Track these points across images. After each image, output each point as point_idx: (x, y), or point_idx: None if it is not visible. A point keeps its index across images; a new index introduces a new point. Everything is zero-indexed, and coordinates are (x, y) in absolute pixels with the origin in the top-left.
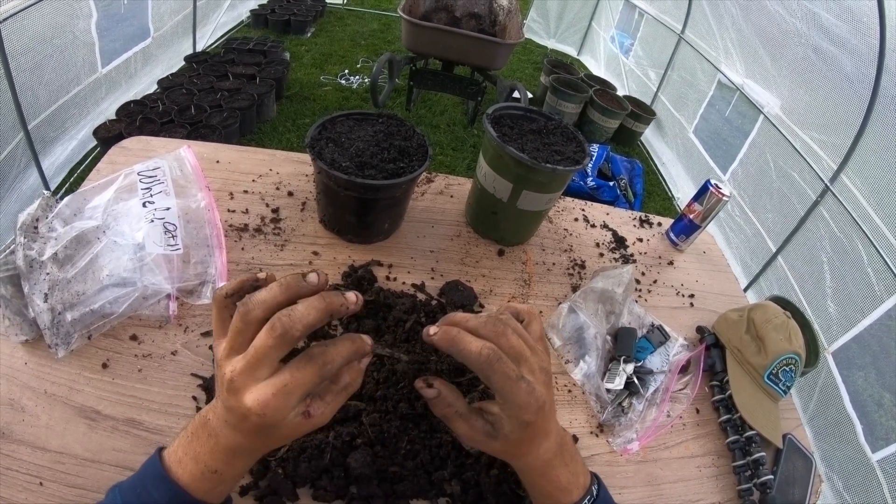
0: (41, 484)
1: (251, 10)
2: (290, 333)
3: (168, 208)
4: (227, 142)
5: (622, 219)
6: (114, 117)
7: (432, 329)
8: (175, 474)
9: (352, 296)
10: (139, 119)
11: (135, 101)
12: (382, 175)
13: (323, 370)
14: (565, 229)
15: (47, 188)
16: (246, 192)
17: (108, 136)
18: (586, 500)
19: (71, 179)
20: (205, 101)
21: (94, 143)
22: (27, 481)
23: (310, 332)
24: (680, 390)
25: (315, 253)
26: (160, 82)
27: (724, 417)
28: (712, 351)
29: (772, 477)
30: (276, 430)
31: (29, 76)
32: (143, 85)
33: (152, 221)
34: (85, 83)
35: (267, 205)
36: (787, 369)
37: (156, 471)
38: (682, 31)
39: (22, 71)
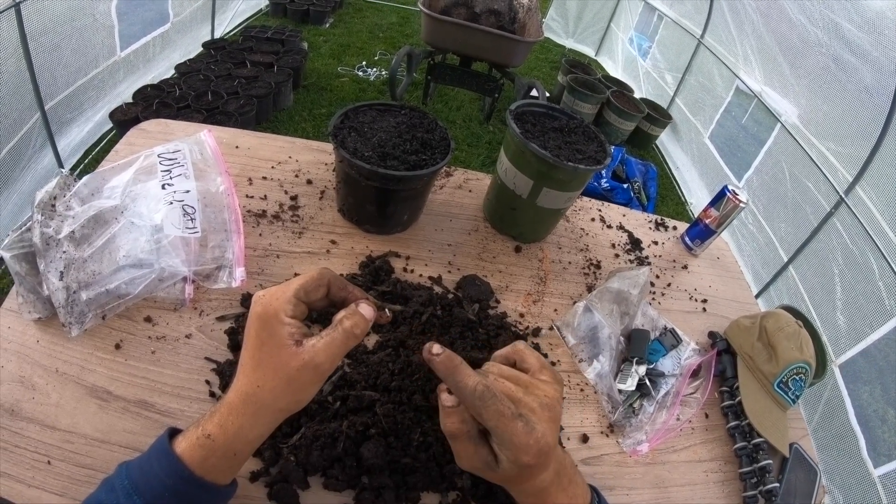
0: (49, 462)
1: None
2: (325, 274)
3: (187, 191)
4: (243, 129)
5: (638, 221)
6: (130, 101)
7: (436, 348)
8: (178, 447)
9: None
10: (156, 103)
11: (152, 86)
12: (404, 166)
13: (322, 273)
14: (582, 228)
15: (62, 168)
16: (265, 178)
17: (124, 120)
18: None
19: (86, 161)
20: (222, 87)
21: (110, 125)
22: (35, 459)
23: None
24: (690, 394)
25: (333, 242)
26: (178, 67)
27: (733, 423)
28: (723, 357)
29: (777, 485)
30: (271, 340)
31: (47, 57)
32: (161, 69)
33: (171, 204)
34: (103, 66)
35: (285, 192)
36: (797, 378)
37: (162, 446)
38: (702, 36)
39: (41, 52)
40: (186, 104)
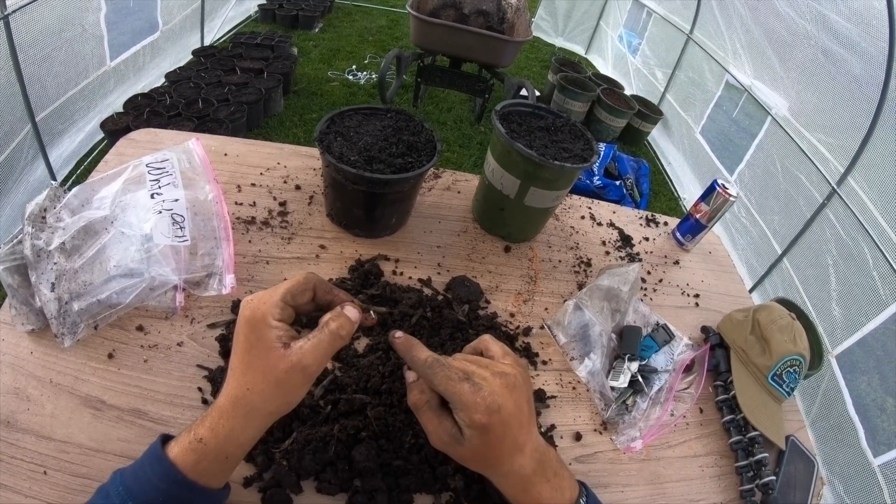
0: (45, 473)
1: (259, 5)
2: (310, 279)
3: (176, 200)
4: (234, 136)
5: (629, 217)
6: (121, 110)
7: (398, 333)
8: (170, 452)
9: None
10: (146, 112)
11: (142, 95)
12: (390, 170)
13: (308, 277)
14: (572, 227)
15: (54, 180)
16: (253, 185)
17: (115, 129)
18: None
19: (78, 171)
20: (212, 94)
21: (102, 135)
22: (31, 470)
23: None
24: (684, 389)
25: (322, 247)
26: (168, 76)
27: (728, 418)
28: (717, 351)
29: (774, 478)
30: (259, 343)
31: (37, 68)
32: (151, 78)
33: (160, 213)
34: (93, 76)
35: (274, 198)
36: (792, 371)
37: (154, 452)
38: (691, 31)
39: (30, 63)
40: (177, 112)
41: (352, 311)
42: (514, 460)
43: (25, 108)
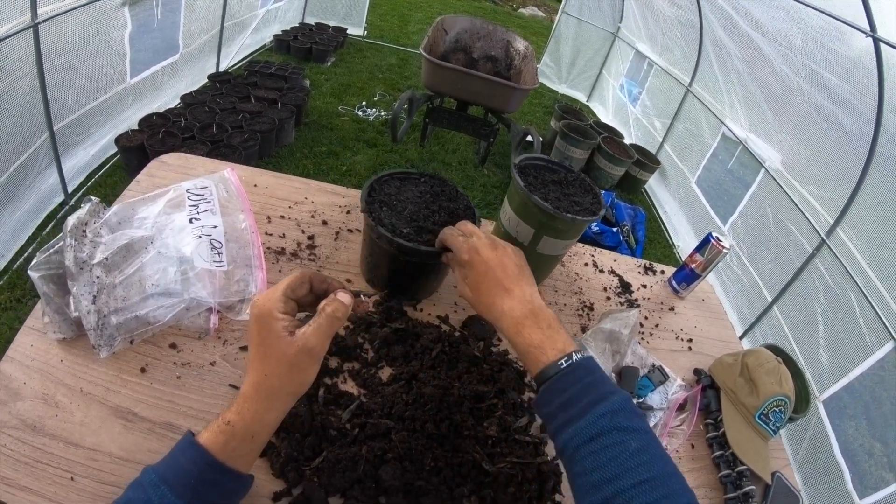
0: (72, 479)
1: (275, 35)
2: (306, 273)
3: (215, 226)
4: (246, 163)
5: (628, 265)
6: (136, 127)
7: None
8: (201, 438)
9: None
10: (161, 132)
11: (158, 114)
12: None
13: (304, 272)
14: (576, 273)
15: (65, 189)
16: (283, 217)
17: (129, 146)
18: (562, 361)
19: (88, 184)
20: (226, 120)
21: (114, 150)
22: (58, 475)
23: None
24: (677, 426)
25: (348, 280)
26: (183, 98)
27: (717, 453)
28: (708, 392)
29: None
30: (269, 335)
31: (60, 79)
32: (167, 98)
33: (200, 237)
34: (113, 91)
35: (303, 231)
36: (777, 410)
37: (186, 440)
38: (690, 84)
39: (55, 73)
40: (191, 135)
41: (344, 296)
42: (503, 301)
43: (45, 116)
